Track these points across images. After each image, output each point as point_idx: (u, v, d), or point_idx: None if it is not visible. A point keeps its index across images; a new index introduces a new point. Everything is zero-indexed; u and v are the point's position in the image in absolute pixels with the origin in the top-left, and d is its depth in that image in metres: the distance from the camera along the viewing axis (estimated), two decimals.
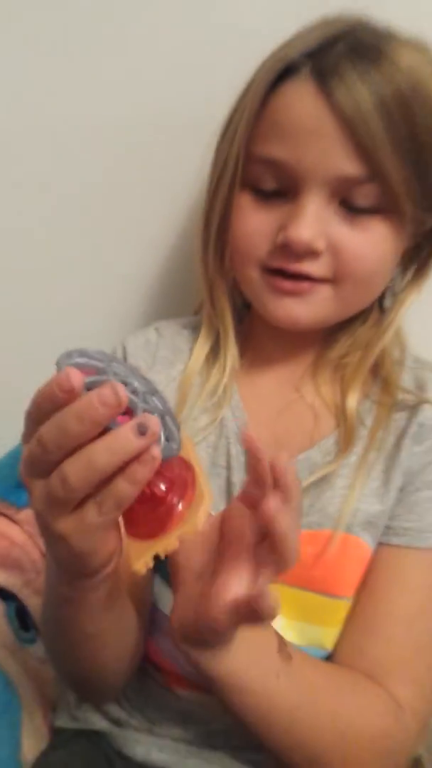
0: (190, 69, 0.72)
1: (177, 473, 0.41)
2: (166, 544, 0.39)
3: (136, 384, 0.40)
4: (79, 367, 0.37)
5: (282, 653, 0.49)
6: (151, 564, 0.39)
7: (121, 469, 0.37)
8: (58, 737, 0.65)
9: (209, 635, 0.44)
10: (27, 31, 0.75)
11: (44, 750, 0.65)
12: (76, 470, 0.36)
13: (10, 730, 0.66)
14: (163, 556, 0.39)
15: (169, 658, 0.60)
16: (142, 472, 0.37)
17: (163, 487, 0.40)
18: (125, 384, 0.38)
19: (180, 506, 0.40)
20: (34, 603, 0.75)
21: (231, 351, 0.64)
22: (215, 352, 0.65)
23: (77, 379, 0.36)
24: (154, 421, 0.36)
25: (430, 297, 0.67)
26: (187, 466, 0.41)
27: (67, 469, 0.36)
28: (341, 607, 0.57)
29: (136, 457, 0.36)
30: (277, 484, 0.40)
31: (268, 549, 0.41)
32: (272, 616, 0.40)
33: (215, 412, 0.62)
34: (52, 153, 0.77)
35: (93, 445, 0.36)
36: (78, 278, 0.81)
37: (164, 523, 0.40)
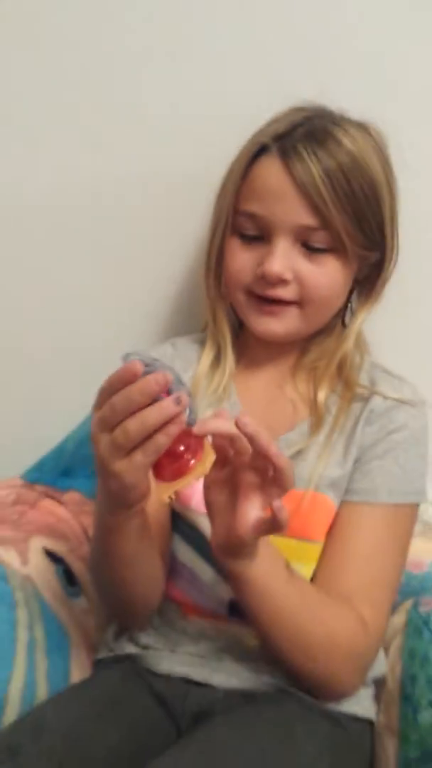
0: (198, 146, 0.90)
1: (191, 439, 0.57)
2: (184, 483, 0.56)
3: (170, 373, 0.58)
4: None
5: (288, 569, 0.66)
6: (174, 497, 0.56)
7: (161, 427, 0.53)
8: (99, 665, 0.80)
9: (239, 547, 0.61)
10: (48, 101, 0.95)
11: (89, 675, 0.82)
12: (135, 425, 0.53)
13: (62, 661, 0.81)
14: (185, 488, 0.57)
15: (186, 594, 0.76)
16: (173, 429, 0.53)
17: (182, 448, 0.57)
18: None
19: (192, 461, 0.57)
20: (77, 566, 0.90)
21: (229, 359, 0.81)
22: (218, 359, 0.82)
23: (140, 367, 0.52)
24: (185, 396, 0.53)
25: (394, 317, 0.85)
26: (198, 435, 0.57)
27: (128, 425, 0.53)
28: (315, 549, 0.73)
29: (171, 420, 0.53)
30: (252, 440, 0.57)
31: (272, 481, 0.58)
32: (286, 525, 0.57)
33: (218, 405, 0.78)
34: (92, 207, 0.97)
35: (147, 410, 0.53)
36: (114, 305, 1.00)
37: (182, 472, 0.57)
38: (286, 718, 0.67)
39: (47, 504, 0.97)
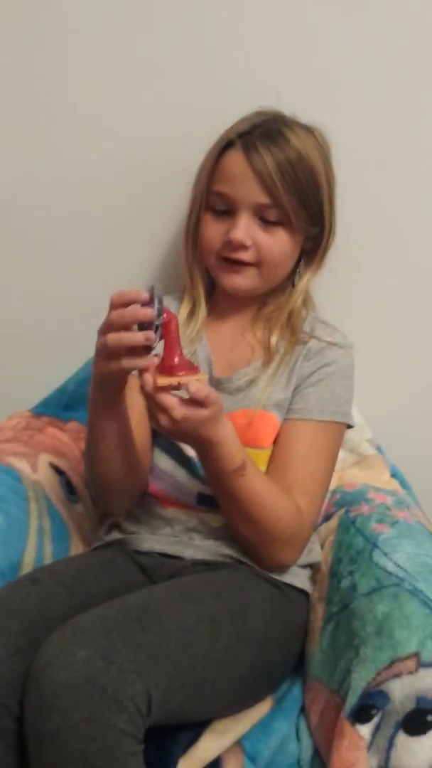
0: (180, 140, 1.09)
1: (188, 364, 0.76)
2: (173, 380, 0.74)
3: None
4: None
5: (243, 463, 0.83)
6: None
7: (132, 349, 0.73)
8: (94, 551, 1.01)
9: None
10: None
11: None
12: (112, 339, 0.72)
13: (64, 548, 1.01)
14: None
15: (164, 490, 0.96)
16: (140, 362, 0.73)
17: (176, 360, 0.75)
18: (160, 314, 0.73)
19: (183, 374, 0.75)
20: (76, 480, 1.11)
21: (202, 311, 1.01)
22: (193, 312, 1.02)
23: (144, 297, 0.72)
24: (152, 335, 0.72)
25: (335, 281, 1.06)
26: (192, 364, 0.76)
27: (109, 337, 0.73)
28: (264, 454, 0.93)
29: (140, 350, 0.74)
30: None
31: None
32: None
33: (191, 347, 0.98)
34: (89, 186, 1.16)
35: (125, 333, 0.72)
36: (113, 269, 1.19)
37: (173, 373, 0.75)
38: (239, 578, 0.88)
39: (52, 430, 1.16)
